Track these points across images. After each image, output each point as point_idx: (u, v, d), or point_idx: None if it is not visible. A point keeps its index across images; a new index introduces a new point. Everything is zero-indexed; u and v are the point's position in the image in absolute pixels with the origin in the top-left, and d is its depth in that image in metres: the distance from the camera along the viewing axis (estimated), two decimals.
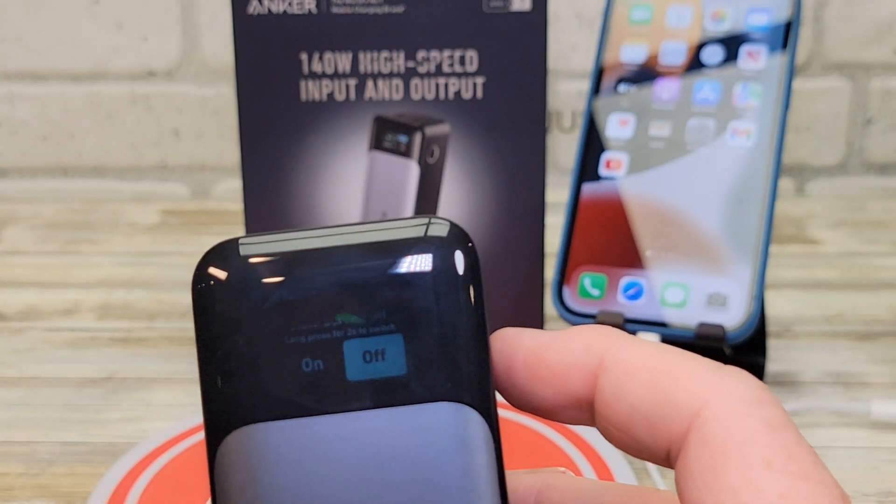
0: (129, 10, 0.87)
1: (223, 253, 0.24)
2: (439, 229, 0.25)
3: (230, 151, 0.90)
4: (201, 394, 0.24)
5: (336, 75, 0.56)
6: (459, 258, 0.25)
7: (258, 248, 0.25)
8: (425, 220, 0.25)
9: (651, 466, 0.50)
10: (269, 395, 0.24)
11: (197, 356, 0.24)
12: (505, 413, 0.58)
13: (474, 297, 0.25)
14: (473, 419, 0.25)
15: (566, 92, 0.89)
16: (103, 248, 0.79)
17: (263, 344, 0.24)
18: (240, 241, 0.25)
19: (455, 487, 0.24)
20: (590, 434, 0.53)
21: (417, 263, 0.25)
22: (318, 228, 0.25)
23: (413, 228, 0.25)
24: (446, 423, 0.24)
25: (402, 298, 0.24)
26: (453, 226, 0.25)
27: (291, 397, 0.24)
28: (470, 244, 0.25)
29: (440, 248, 0.25)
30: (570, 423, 0.24)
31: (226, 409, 0.24)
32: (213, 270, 0.24)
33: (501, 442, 0.25)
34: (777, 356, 0.62)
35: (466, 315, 0.25)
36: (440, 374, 0.25)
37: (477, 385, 0.25)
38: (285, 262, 0.24)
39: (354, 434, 0.24)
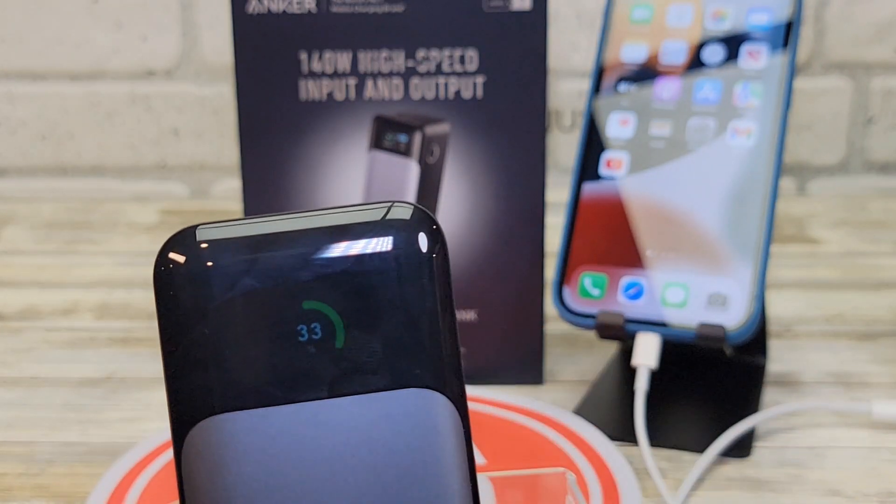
0: (129, 10, 0.87)
1: (184, 240, 0.24)
2: (402, 212, 0.24)
3: (229, 151, 0.90)
4: (166, 383, 0.24)
5: (336, 74, 0.56)
6: (423, 240, 0.24)
7: (221, 233, 0.24)
8: (388, 204, 0.25)
9: (652, 467, 0.50)
10: (236, 384, 0.23)
11: (160, 346, 0.24)
12: (506, 414, 0.58)
13: (441, 281, 0.24)
14: (442, 405, 0.24)
15: (566, 91, 0.88)
16: (103, 248, 0.79)
17: (227, 332, 0.23)
18: (198, 227, 0.24)
19: (425, 472, 0.24)
20: (590, 434, 0.53)
21: (381, 247, 0.24)
22: (282, 214, 0.24)
23: (376, 211, 0.24)
24: (416, 409, 0.24)
25: (367, 284, 0.24)
26: (417, 208, 0.25)
27: (258, 386, 0.23)
28: (435, 226, 0.24)
29: (404, 230, 0.24)
30: None
31: (191, 400, 0.23)
32: (173, 255, 0.24)
33: (470, 425, 0.25)
34: (778, 356, 0.62)
35: (433, 299, 0.24)
36: (408, 360, 0.24)
37: (445, 370, 0.25)
38: (249, 248, 0.24)
39: (323, 423, 0.24)
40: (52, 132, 0.90)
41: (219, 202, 0.89)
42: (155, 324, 0.66)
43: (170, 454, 0.52)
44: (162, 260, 0.24)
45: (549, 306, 0.58)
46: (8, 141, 0.90)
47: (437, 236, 0.24)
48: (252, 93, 0.56)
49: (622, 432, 0.53)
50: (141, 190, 0.91)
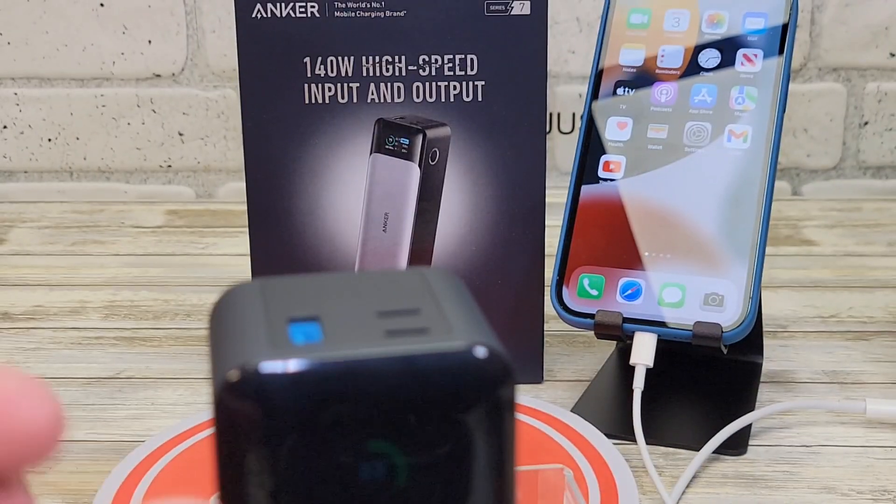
0: (134, 15, 0.88)
1: (248, 374, 0.22)
2: (486, 362, 0.23)
3: (234, 153, 0.91)
4: None
5: (339, 78, 0.56)
6: (502, 395, 0.23)
7: (288, 367, 0.22)
8: (468, 343, 0.23)
9: (648, 464, 0.50)
10: None
11: (215, 474, 0.23)
12: None
13: (510, 433, 0.23)
14: None
15: (565, 95, 0.89)
16: (109, 249, 0.80)
17: (286, 469, 0.22)
18: (264, 366, 0.22)
19: None
20: (590, 432, 0.53)
21: (456, 394, 0.23)
22: (347, 343, 0.23)
23: (453, 348, 0.23)
24: None
25: (437, 429, 0.23)
26: (500, 360, 0.23)
27: None
28: (512, 378, 0.23)
29: (483, 382, 0.23)
30: None
31: None
32: (236, 387, 0.22)
33: None
34: (773, 355, 0.62)
35: (501, 452, 0.23)
36: None
37: None
38: (317, 384, 0.22)
39: None
40: (59, 135, 0.90)
41: (224, 204, 0.90)
42: (161, 323, 0.67)
43: (175, 451, 0.52)
44: (225, 389, 0.22)
45: (549, 306, 0.59)
46: (16, 144, 0.91)
47: (513, 389, 0.23)
48: (257, 96, 0.56)
49: (619, 430, 0.54)
50: (147, 192, 0.91)
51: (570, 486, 0.46)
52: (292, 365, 0.22)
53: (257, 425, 0.22)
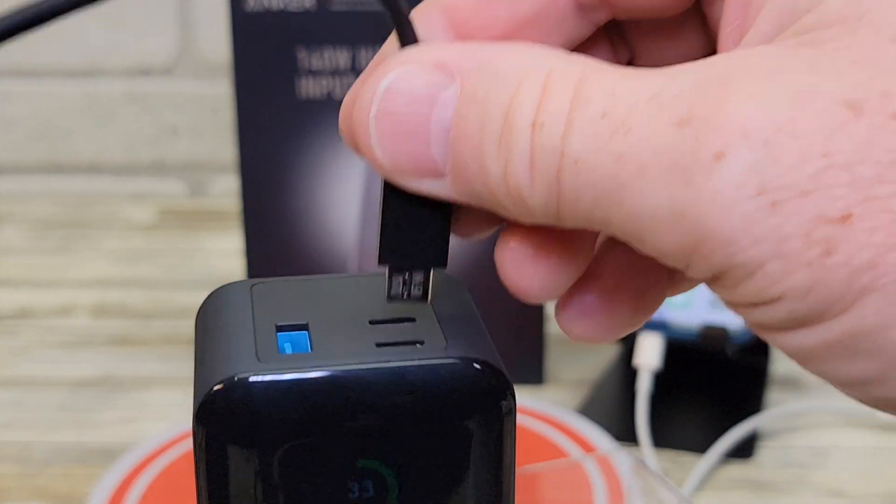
0: (126, 7, 0.87)
1: (234, 385, 0.22)
2: (480, 378, 0.22)
3: (227, 149, 0.90)
4: None
5: (335, 72, 0.56)
6: (500, 409, 0.23)
7: (275, 378, 0.22)
8: (460, 357, 0.22)
9: (655, 468, 0.49)
10: None
11: (198, 490, 0.22)
12: None
13: (509, 449, 0.23)
14: None
15: None
16: (99, 247, 0.79)
17: (273, 484, 0.22)
18: (251, 380, 0.22)
19: None
20: (591, 433, 0.52)
21: (451, 407, 0.22)
22: (336, 360, 0.22)
23: (447, 365, 0.22)
24: None
25: (429, 445, 0.22)
26: (496, 375, 0.23)
27: None
28: (510, 391, 0.23)
29: (480, 395, 0.22)
30: None
31: None
32: (221, 400, 0.22)
33: None
34: (781, 356, 0.62)
35: (498, 469, 0.23)
36: None
37: None
38: (305, 397, 0.22)
39: None
40: (47, 130, 0.89)
41: (217, 200, 0.89)
42: (151, 323, 0.66)
43: (168, 456, 0.51)
44: (208, 403, 0.22)
45: (550, 306, 0.58)
46: (3, 139, 0.90)
47: (510, 404, 0.23)
48: (250, 91, 0.56)
49: (624, 433, 0.53)
50: (138, 188, 0.91)
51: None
52: (279, 378, 0.21)
53: (243, 439, 0.21)
